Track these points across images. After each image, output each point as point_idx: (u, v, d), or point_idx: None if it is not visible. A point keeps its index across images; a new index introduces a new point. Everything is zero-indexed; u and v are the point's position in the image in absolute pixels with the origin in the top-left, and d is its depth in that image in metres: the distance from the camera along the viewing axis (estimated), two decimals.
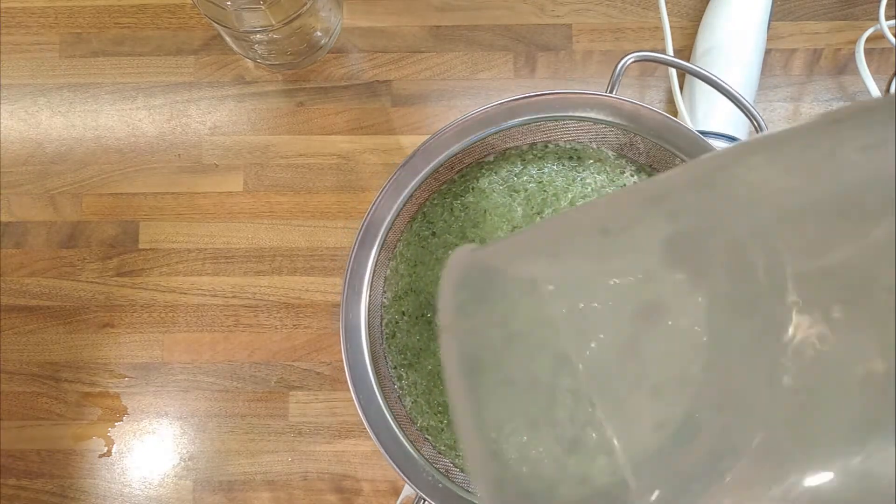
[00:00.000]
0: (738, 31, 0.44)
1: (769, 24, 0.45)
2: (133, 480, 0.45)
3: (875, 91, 0.41)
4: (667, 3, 0.46)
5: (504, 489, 0.19)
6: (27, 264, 0.47)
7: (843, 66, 0.47)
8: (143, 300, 0.46)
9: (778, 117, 0.47)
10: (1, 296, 0.47)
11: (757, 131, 0.35)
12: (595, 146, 0.36)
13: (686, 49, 0.47)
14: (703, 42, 0.45)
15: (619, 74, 0.34)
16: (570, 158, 0.36)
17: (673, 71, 0.45)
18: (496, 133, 0.33)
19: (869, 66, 0.42)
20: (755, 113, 0.34)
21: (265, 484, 0.45)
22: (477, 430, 0.19)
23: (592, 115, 0.33)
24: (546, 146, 0.36)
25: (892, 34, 0.43)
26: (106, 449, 0.46)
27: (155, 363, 0.46)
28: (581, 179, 0.36)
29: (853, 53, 0.46)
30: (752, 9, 0.44)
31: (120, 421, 0.46)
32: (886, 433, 0.15)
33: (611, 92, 0.34)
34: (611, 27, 0.47)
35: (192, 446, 0.45)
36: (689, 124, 0.43)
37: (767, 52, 0.46)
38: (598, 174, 0.36)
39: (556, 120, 0.34)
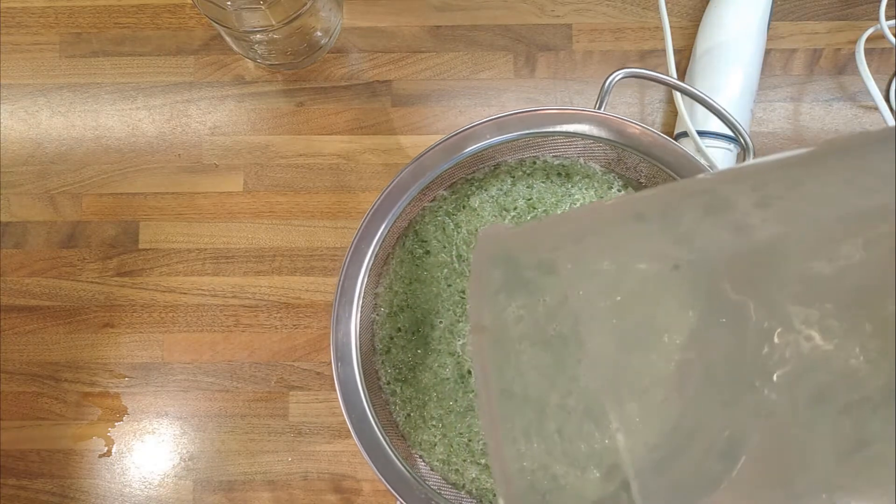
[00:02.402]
0: (738, 31, 0.44)
1: (769, 24, 0.45)
2: (133, 480, 0.45)
3: (875, 91, 0.41)
4: (667, 3, 0.46)
5: (523, 498, 0.19)
6: (27, 264, 0.47)
7: (843, 66, 0.47)
8: (143, 300, 0.46)
9: (778, 117, 0.47)
10: (1, 296, 0.47)
11: (744, 148, 0.35)
12: (583, 161, 0.36)
13: (686, 49, 0.47)
14: (703, 42, 0.45)
15: (607, 90, 0.33)
16: (559, 175, 0.36)
17: (673, 71, 0.45)
18: (486, 149, 0.33)
19: (869, 66, 0.42)
20: (741, 130, 0.34)
21: (265, 484, 0.45)
22: (501, 435, 0.19)
23: (581, 130, 0.33)
24: (534, 162, 0.36)
25: (892, 34, 0.43)
26: (106, 449, 0.46)
27: (155, 363, 0.46)
28: (570, 196, 0.36)
29: (853, 53, 0.46)
30: (752, 9, 0.44)
31: (120, 421, 0.46)
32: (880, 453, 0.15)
33: (599, 108, 0.33)
34: (611, 27, 0.47)
35: (192, 446, 0.45)
36: (689, 124, 0.43)
37: (767, 52, 0.46)
38: (587, 190, 0.36)
39: (544, 136, 0.33)
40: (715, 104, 0.35)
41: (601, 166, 0.36)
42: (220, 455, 0.45)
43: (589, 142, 0.34)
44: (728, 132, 0.43)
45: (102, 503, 0.45)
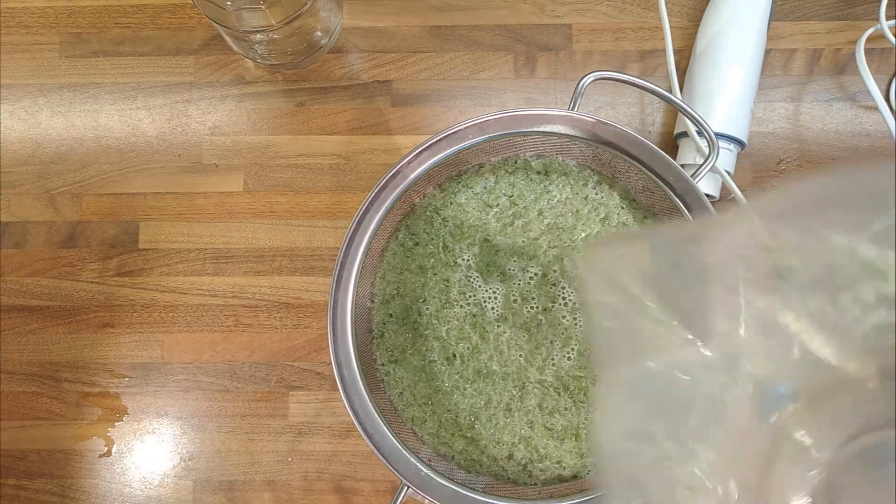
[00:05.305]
0: (738, 31, 0.44)
1: (769, 24, 0.45)
2: (133, 480, 0.45)
3: (875, 91, 0.41)
4: (667, 3, 0.46)
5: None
6: (27, 264, 0.47)
7: (843, 66, 0.47)
8: (143, 300, 0.46)
9: (778, 117, 0.47)
10: (1, 296, 0.47)
11: (710, 144, 0.37)
12: (561, 159, 0.39)
13: (686, 49, 0.47)
14: (703, 42, 0.45)
15: (580, 93, 0.36)
16: (538, 173, 0.39)
17: (673, 71, 0.45)
18: (469, 148, 0.36)
19: (869, 66, 0.42)
20: (708, 129, 0.37)
21: (265, 484, 0.45)
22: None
23: (556, 130, 0.36)
24: (515, 161, 0.39)
25: (892, 34, 0.43)
26: (106, 449, 0.46)
27: (155, 363, 0.46)
28: (548, 193, 0.39)
29: (853, 53, 0.46)
30: (752, 9, 0.44)
31: (120, 421, 0.46)
32: None
33: (573, 108, 0.36)
34: (611, 27, 0.47)
35: (192, 446, 0.45)
36: (689, 123, 0.43)
37: (767, 52, 0.46)
38: (564, 187, 0.39)
39: (523, 135, 0.36)
40: (682, 104, 0.37)
41: (578, 163, 0.39)
42: (220, 455, 0.45)
43: (564, 140, 0.36)
44: (728, 132, 0.43)
45: (102, 503, 0.45)
